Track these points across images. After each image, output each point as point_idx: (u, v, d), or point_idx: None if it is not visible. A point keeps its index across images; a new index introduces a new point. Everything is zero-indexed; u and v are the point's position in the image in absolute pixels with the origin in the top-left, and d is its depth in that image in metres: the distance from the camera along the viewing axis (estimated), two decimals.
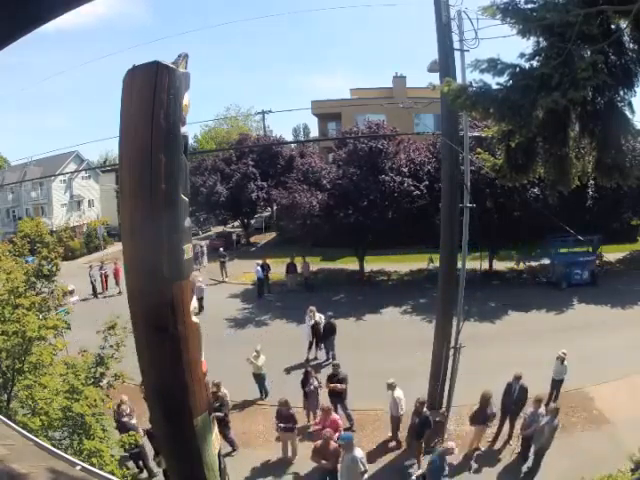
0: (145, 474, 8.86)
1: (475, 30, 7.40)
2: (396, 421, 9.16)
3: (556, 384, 10.10)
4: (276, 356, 13.22)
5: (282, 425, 8.67)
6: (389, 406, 9.17)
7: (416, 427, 8.19)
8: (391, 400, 9.01)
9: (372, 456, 9.05)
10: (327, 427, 8.19)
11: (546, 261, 20.30)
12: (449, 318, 8.95)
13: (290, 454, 9.02)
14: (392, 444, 9.43)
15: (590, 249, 19.02)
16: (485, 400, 8.46)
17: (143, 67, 2.34)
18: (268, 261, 21.22)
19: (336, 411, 10.05)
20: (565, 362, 9.89)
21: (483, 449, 8.91)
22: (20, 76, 64.89)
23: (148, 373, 2.64)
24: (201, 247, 26.16)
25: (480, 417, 8.49)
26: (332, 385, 9.67)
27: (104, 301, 20.71)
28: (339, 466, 7.50)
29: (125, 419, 8.44)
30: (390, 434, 9.40)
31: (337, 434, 8.02)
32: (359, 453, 7.30)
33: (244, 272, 22.34)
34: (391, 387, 8.95)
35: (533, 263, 21.30)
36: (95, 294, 21.71)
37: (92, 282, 21.70)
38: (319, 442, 7.64)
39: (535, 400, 8.33)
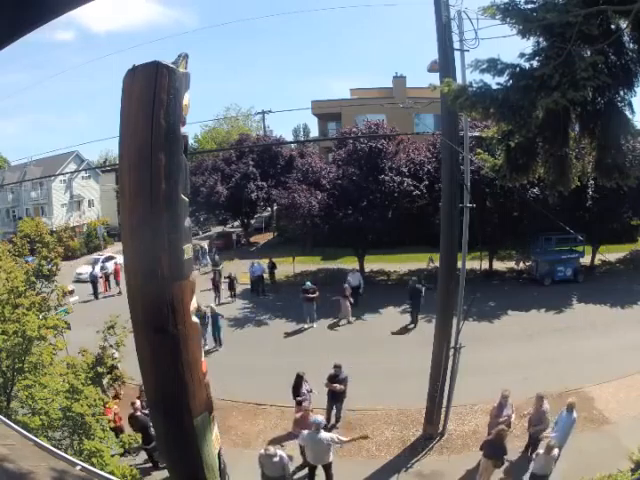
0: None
1: (475, 30, 7.36)
2: None
3: None
4: (275, 355, 13.24)
5: None
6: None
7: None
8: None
9: (372, 456, 9.07)
10: None
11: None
12: (449, 318, 8.93)
13: None
14: (393, 444, 9.45)
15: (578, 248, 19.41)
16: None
17: (143, 67, 2.35)
18: (262, 262, 21.33)
19: (331, 410, 10.07)
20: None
21: None
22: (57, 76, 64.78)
23: (148, 373, 2.64)
24: (202, 247, 26.17)
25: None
26: (332, 385, 9.67)
27: (104, 301, 20.70)
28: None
29: (138, 413, 8.51)
30: None
31: None
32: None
33: (243, 272, 22.32)
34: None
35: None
36: (95, 294, 21.67)
37: (92, 281, 21.71)
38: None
39: (537, 397, 8.25)
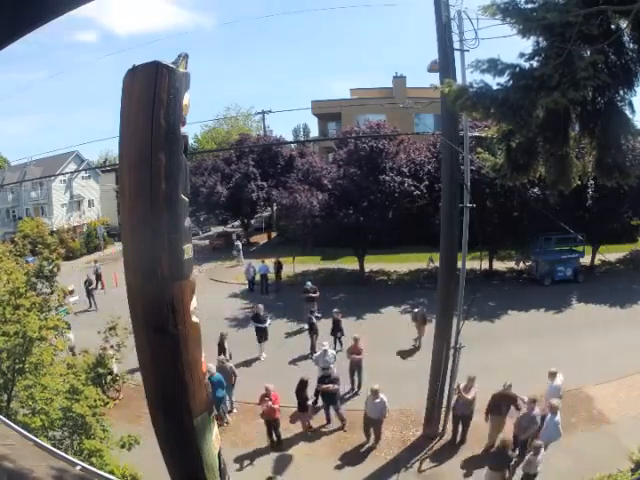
0: None
1: (475, 30, 7.36)
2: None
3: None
4: (275, 355, 13.26)
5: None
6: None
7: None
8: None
9: (372, 456, 9.08)
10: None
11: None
12: (449, 318, 8.93)
13: None
14: (393, 444, 9.45)
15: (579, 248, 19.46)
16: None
17: (143, 67, 2.34)
18: (267, 261, 21.49)
19: (328, 411, 10.06)
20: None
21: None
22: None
23: (148, 373, 2.64)
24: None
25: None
26: (324, 386, 9.67)
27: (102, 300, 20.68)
28: None
29: None
30: None
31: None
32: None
33: (243, 272, 22.35)
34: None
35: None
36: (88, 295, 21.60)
37: (88, 280, 21.69)
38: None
39: (529, 400, 8.16)
